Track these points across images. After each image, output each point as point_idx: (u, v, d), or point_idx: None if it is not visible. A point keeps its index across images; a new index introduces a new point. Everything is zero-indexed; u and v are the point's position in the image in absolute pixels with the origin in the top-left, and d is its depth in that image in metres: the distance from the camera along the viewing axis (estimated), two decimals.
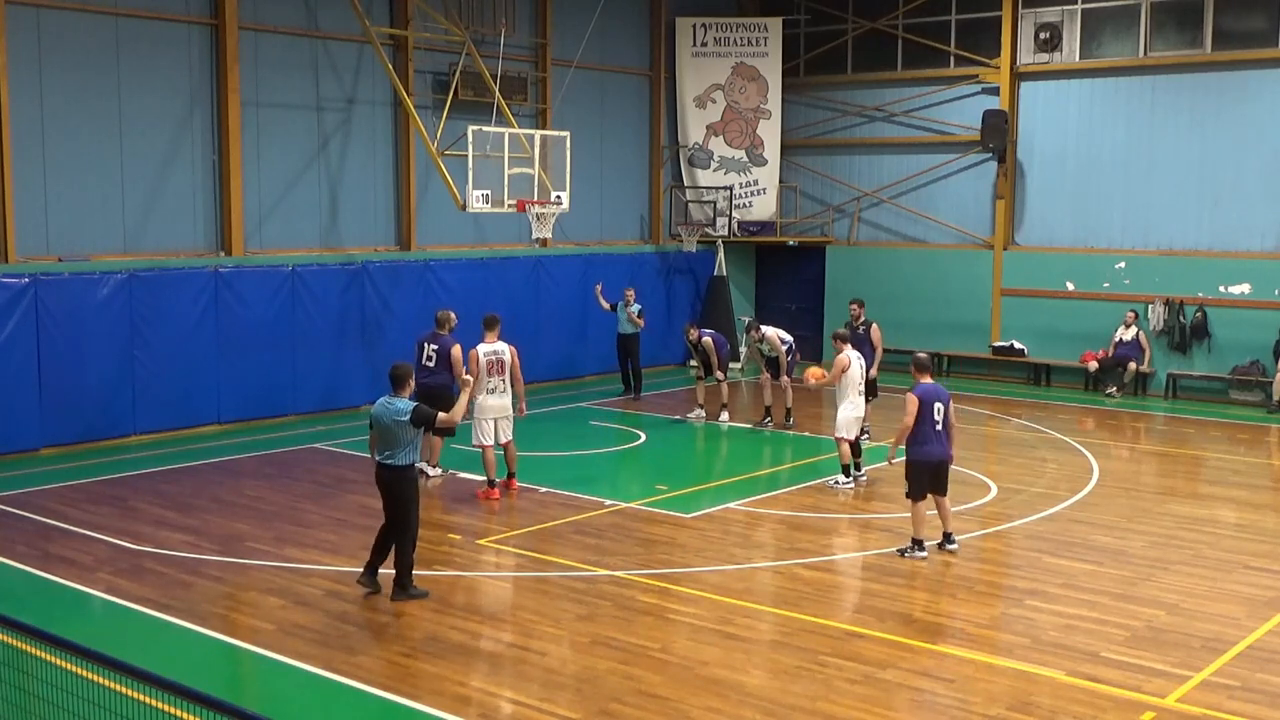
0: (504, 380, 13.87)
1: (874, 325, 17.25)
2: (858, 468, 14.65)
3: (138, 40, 17.02)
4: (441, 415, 10.16)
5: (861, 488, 14.51)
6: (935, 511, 11.82)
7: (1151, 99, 21.83)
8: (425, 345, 14.66)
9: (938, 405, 11.49)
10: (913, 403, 11.43)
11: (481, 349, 13.79)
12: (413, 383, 10.26)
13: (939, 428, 11.50)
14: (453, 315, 14.93)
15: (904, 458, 11.73)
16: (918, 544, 11.62)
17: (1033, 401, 21.08)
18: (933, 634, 9.63)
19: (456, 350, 14.34)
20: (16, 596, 10.33)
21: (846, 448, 14.42)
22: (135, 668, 5.39)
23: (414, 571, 11.20)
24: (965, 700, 8.33)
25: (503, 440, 14.00)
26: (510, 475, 14.13)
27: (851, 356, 14.48)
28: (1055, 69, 22.65)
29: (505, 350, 13.87)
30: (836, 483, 14.48)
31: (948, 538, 11.81)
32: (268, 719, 4.76)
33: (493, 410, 13.84)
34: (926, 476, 11.56)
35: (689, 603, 10.31)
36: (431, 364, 14.47)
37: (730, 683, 8.56)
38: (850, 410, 14.44)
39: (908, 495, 11.71)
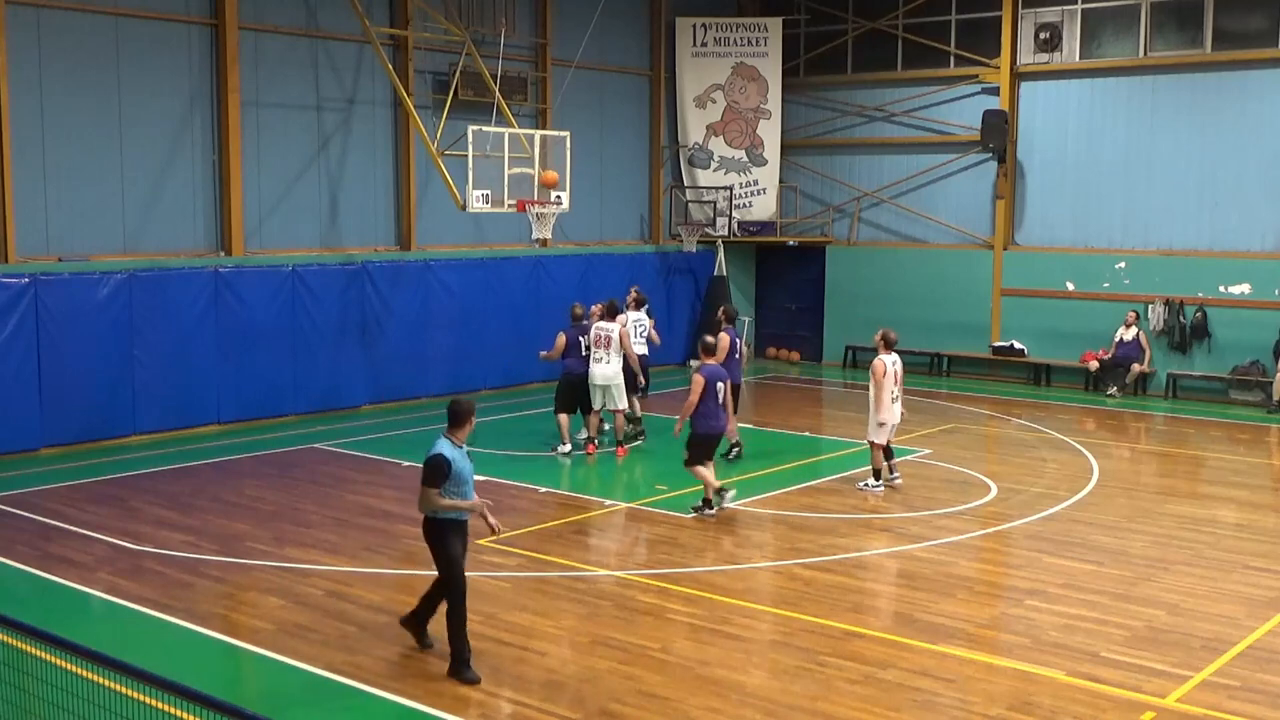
0: (608, 352, 15.82)
1: (724, 337, 15.57)
2: (890, 470, 14.46)
3: (138, 40, 17.02)
4: (440, 498, 8.60)
5: (897, 488, 14.32)
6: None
7: (1151, 99, 21.83)
8: (580, 339, 16.18)
9: (719, 384, 13.05)
10: (698, 383, 12.95)
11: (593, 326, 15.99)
12: (473, 422, 8.88)
13: (720, 403, 13.05)
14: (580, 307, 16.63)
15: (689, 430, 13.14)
16: (707, 503, 12.99)
17: (1033, 401, 21.07)
18: (933, 634, 9.62)
19: (621, 331, 16.11)
20: (16, 596, 10.34)
21: (879, 452, 14.25)
22: (135, 668, 5.39)
23: (411, 572, 11.20)
24: (965, 700, 8.33)
25: (611, 407, 16.10)
26: (618, 442, 16.33)
27: (886, 362, 14.19)
28: (1055, 69, 22.66)
29: (614, 328, 15.97)
30: (866, 485, 14.34)
31: (707, 504, 13.03)
32: (268, 719, 4.76)
33: (598, 378, 15.89)
34: (709, 446, 13.12)
35: (689, 603, 10.30)
36: (588, 353, 16.10)
37: (730, 683, 8.56)
38: (883, 415, 14.14)
39: (688, 463, 13.15)
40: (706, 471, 13.08)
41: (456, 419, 8.77)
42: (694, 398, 12.93)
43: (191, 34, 17.64)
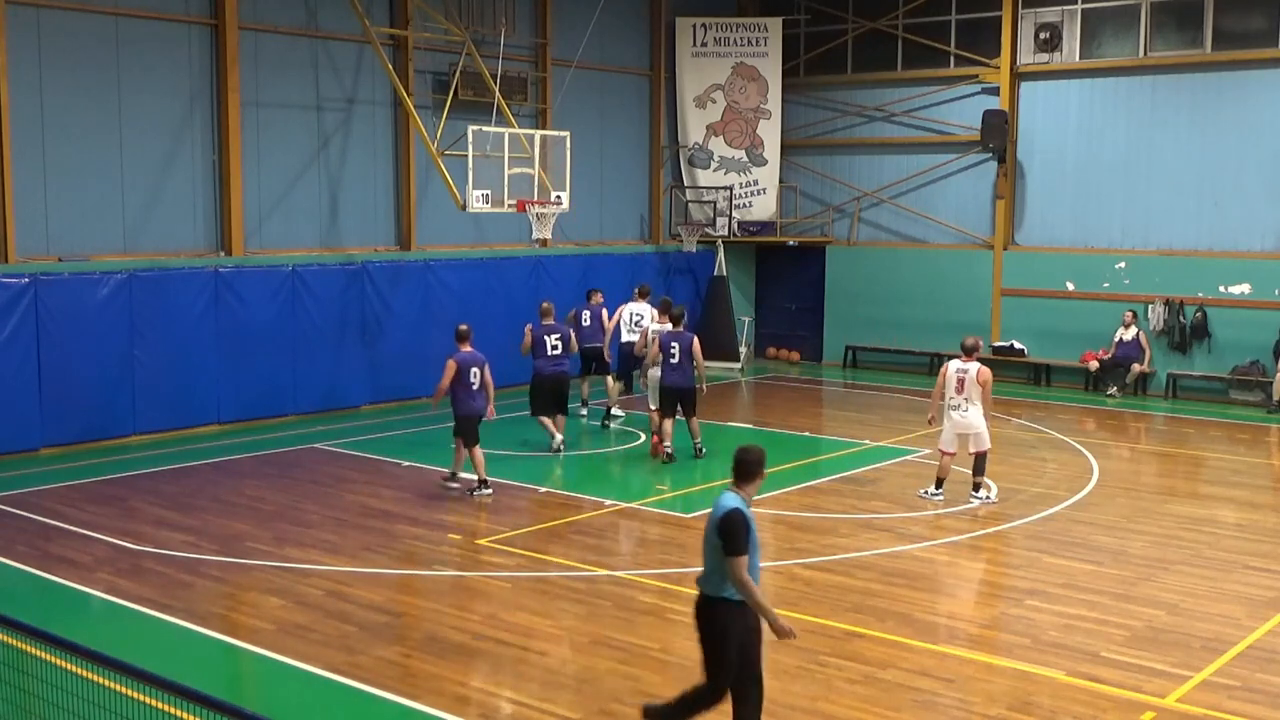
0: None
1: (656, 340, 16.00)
2: (974, 488, 13.84)
3: (138, 40, 17.02)
4: (746, 578, 6.86)
5: (975, 513, 13.55)
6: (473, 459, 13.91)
7: (1151, 99, 21.83)
8: (546, 338, 16.06)
9: (473, 370, 13.78)
10: (450, 367, 13.67)
11: (653, 328, 16.13)
12: (762, 476, 7.18)
13: (475, 388, 13.76)
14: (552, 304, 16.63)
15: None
16: (483, 482, 13.84)
17: (1033, 401, 21.07)
18: (933, 634, 9.62)
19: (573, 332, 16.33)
20: (16, 596, 10.34)
21: (945, 461, 13.80)
22: (135, 668, 5.39)
23: (411, 572, 11.20)
24: (965, 700, 8.33)
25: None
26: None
27: (950, 367, 13.72)
28: (1055, 69, 22.65)
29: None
30: (924, 492, 13.94)
31: (484, 483, 13.82)
32: (268, 719, 4.76)
33: (657, 380, 15.81)
34: (467, 427, 13.82)
35: (689, 603, 10.23)
36: (559, 351, 16.10)
37: None
38: (936, 418, 13.82)
39: (457, 440, 13.98)
40: (463, 452, 13.97)
41: (746, 471, 7.07)
42: (444, 382, 13.72)
43: (191, 34, 17.64)
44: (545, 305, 16.46)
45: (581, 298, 22.57)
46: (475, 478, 13.89)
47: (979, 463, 13.74)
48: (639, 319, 18.39)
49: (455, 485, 14.10)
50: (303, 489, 14.23)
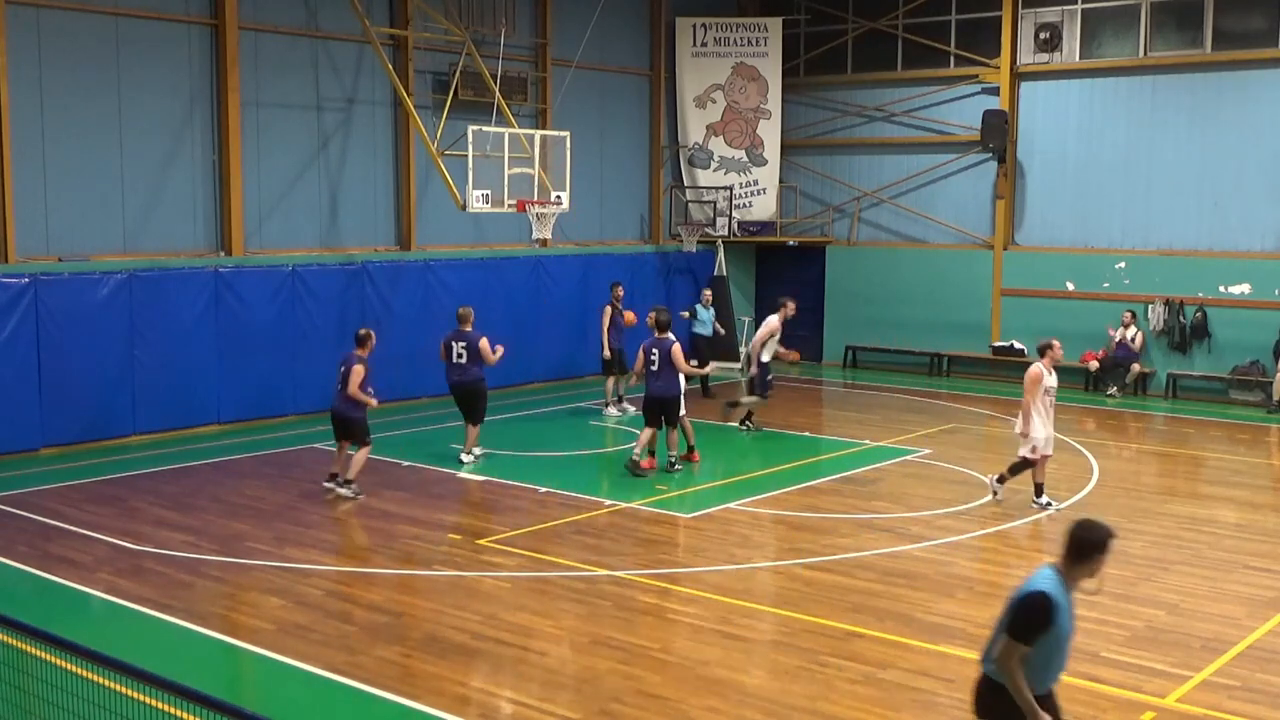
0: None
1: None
2: (1001, 480, 13.73)
3: (138, 40, 17.02)
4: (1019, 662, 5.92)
5: (1045, 512, 13.53)
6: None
7: (1151, 99, 21.83)
8: (453, 344, 15.44)
9: (341, 370, 13.90)
10: (355, 372, 13.86)
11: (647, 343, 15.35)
12: (1101, 562, 5.93)
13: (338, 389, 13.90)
14: (472, 311, 15.74)
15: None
16: (334, 476, 14.02)
17: None
18: (933, 634, 9.62)
19: (484, 342, 15.30)
20: (16, 596, 10.34)
21: (1036, 465, 13.58)
22: (135, 668, 5.39)
23: (411, 572, 11.20)
24: (965, 700, 8.28)
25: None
26: (689, 448, 15.65)
27: (1042, 368, 13.34)
28: (1055, 69, 22.66)
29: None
30: (1034, 503, 13.65)
31: (334, 477, 13.98)
32: (268, 719, 4.76)
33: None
34: (338, 429, 14.00)
35: (689, 603, 10.30)
36: (463, 360, 15.38)
37: (730, 683, 8.56)
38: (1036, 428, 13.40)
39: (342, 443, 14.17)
40: (345, 451, 14.10)
41: (1078, 552, 5.85)
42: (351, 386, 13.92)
43: (191, 34, 17.64)
44: (461, 311, 15.62)
45: (581, 297, 22.65)
46: (335, 472, 14.06)
47: (1016, 464, 13.66)
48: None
49: (335, 486, 13.89)
50: (303, 489, 14.22)
